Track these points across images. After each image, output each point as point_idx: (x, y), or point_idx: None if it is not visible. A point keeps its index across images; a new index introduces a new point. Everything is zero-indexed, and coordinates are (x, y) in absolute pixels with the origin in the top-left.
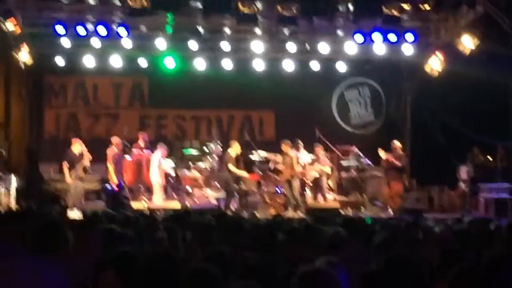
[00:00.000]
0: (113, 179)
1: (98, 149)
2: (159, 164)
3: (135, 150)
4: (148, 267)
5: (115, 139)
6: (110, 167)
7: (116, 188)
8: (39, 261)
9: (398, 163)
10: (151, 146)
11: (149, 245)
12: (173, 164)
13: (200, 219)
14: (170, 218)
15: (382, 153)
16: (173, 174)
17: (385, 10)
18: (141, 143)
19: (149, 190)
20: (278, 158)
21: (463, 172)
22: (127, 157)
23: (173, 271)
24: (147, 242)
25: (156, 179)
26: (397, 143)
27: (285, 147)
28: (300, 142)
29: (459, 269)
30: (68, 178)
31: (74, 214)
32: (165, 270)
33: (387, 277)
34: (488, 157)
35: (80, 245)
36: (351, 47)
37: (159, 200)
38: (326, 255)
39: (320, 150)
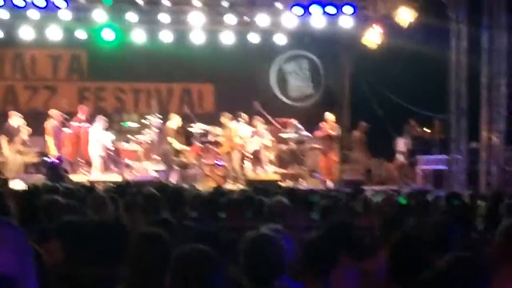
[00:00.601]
0: (53, 152)
1: (36, 122)
2: (98, 137)
3: (74, 123)
4: (96, 234)
5: (53, 112)
6: (49, 140)
7: (55, 161)
8: None
9: (334, 132)
10: (91, 119)
11: (92, 215)
12: (112, 137)
13: (141, 190)
14: (112, 190)
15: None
16: (112, 147)
17: None
18: (80, 116)
19: (88, 163)
20: (218, 130)
21: (401, 144)
22: (66, 130)
23: (122, 237)
24: (90, 212)
25: (95, 152)
26: (329, 115)
27: (225, 119)
28: (242, 114)
29: (399, 235)
30: (6, 151)
31: (17, 185)
32: (114, 237)
33: (330, 242)
34: (425, 129)
35: (24, 215)
36: (290, 19)
37: (98, 173)
38: (269, 224)
39: (259, 122)
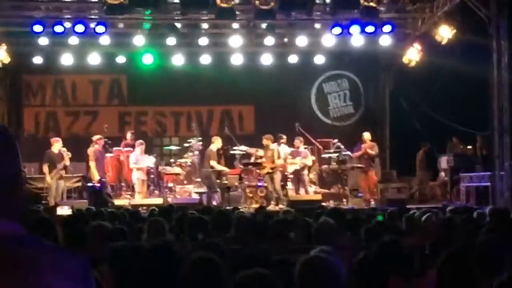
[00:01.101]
0: (95, 177)
1: (77, 148)
2: (136, 161)
3: (116, 148)
4: (148, 260)
5: (96, 137)
6: (92, 164)
7: (98, 185)
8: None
9: (372, 152)
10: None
11: (139, 239)
12: (153, 160)
13: (186, 213)
14: (156, 213)
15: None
16: (154, 171)
17: (362, 2)
18: (129, 140)
19: (130, 187)
20: (259, 152)
21: (444, 162)
22: (108, 155)
23: (174, 262)
24: (137, 236)
25: (136, 176)
26: (366, 134)
27: (267, 141)
28: (282, 136)
29: (447, 254)
30: (48, 178)
31: (63, 211)
32: (166, 261)
33: (380, 263)
34: (468, 146)
35: (70, 242)
36: (329, 39)
37: (140, 197)
38: (318, 245)
39: (299, 143)
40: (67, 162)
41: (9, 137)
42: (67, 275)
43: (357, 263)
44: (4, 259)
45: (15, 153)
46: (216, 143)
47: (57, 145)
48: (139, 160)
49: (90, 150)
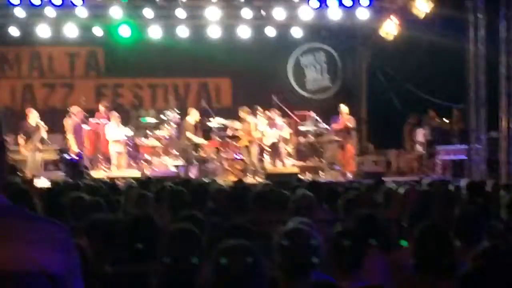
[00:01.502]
0: (74, 149)
1: (54, 120)
2: (112, 133)
3: (92, 120)
4: (127, 231)
5: (75, 109)
6: (70, 137)
7: (75, 158)
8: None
9: (350, 124)
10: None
11: (116, 211)
12: (130, 132)
13: (164, 186)
14: (134, 185)
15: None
16: (131, 143)
17: None
18: (102, 113)
19: (107, 160)
20: (236, 124)
21: (420, 135)
22: (85, 127)
23: (154, 233)
24: (114, 208)
25: (113, 148)
26: (343, 107)
27: (243, 113)
28: (258, 108)
29: (424, 226)
30: (24, 149)
31: (41, 182)
32: (146, 233)
33: (358, 235)
34: (444, 119)
35: (49, 214)
36: (307, 12)
37: (117, 169)
38: (296, 217)
39: (276, 115)
40: (43, 134)
41: None
42: (54, 246)
43: (335, 235)
44: None
45: None
46: (193, 116)
47: (33, 117)
48: (115, 132)
49: (68, 122)
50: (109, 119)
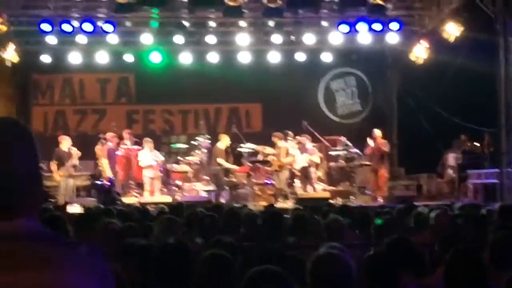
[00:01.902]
0: (107, 174)
1: (85, 146)
2: (147, 159)
3: (124, 146)
4: (161, 257)
5: (109, 135)
6: (105, 162)
7: (107, 184)
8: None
9: (385, 149)
10: (141, 140)
11: (148, 237)
12: (162, 158)
13: (195, 211)
14: (165, 211)
15: (370, 141)
16: (162, 168)
17: None
18: (126, 142)
19: (139, 185)
20: (267, 150)
21: (451, 159)
22: (118, 152)
23: (187, 260)
24: (146, 234)
25: (145, 174)
26: (377, 132)
27: (275, 138)
28: (289, 133)
29: (456, 251)
30: (56, 175)
31: (74, 209)
32: (179, 259)
33: (391, 259)
34: (476, 143)
35: (82, 239)
36: (336, 37)
37: (148, 195)
38: (328, 242)
39: (306, 140)
40: (76, 160)
41: (28, 133)
42: (91, 272)
43: (368, 260)
44: (31, 257)
45: (34, 149)
46: (223, 141)
47: (65, 143)
48: (148, 158)
49: (101, 148)
50: (137, 144)
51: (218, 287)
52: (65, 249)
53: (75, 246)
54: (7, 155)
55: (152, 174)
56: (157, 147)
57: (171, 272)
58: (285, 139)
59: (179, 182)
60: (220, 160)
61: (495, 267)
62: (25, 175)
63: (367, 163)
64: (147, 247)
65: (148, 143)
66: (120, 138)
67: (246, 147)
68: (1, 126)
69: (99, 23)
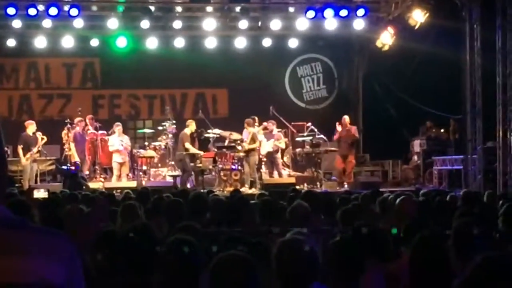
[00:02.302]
0: (75, 158)
1: (51, 130)
2: (115, 143)
3: (91, 131)
4: (127, 243)
5: (78, 119)
6: (72, 146)
7: (73, 168)
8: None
9: (356, 135)
10: (106, 125)
11: (114, 223)
12: (129, 142)
13: (161, 196)
14: (131, 196)
15: (339, 127)
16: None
17: None
18: (90, 127)
19: (105, 170)
20: (234, 135)
21: (416, 145)
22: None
23: (152, 244)
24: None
25: (115, 159)
26: (347, 118)
27: (246, 125)
28: (255, 118)
29: (421, 237)
30: (23, 160)
31: (39, 194)
32: (145, 244)
33: (357, 246)
34: (441, 130)
35: (48, 225)
36: (303, 23)
37: (116, 180)
38: (294, 228)
39: (272, 125)
40: (40, 145)
41: None
42: (58, 257)
43: (333, 246)
44: None
45: None
46: (190, 127)
47: (31, 128)
48: (117, 142)
49: (70, 132)
50: (97, 130)
51: (183, 272)
52: (30, 235)
53: (40, 231)
54: None
55: (121, 159)
56: (123, 132)
57: (137, 255)
58: (253, 125)
59: (144, 167)
60: (187, 145)
61: (458, 253)
62: None
63: (333, 149)
64: (113, 232)
65: (117, 128)
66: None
67: (212, 133)
68: None
69: (65, 7)
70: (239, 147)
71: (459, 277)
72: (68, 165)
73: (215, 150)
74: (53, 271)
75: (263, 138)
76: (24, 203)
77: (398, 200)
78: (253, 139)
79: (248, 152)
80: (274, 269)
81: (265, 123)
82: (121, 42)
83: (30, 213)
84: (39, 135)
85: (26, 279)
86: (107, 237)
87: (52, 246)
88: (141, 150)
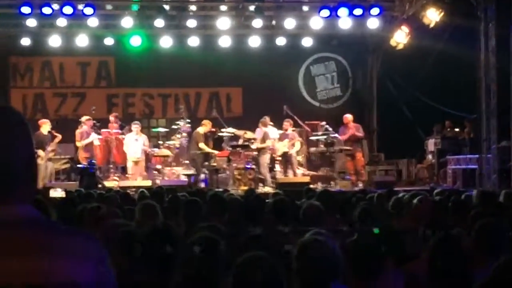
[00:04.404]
0: (83, 158)
1: (65, 129)
2: (133, 142)
3: (104, 130)
4: (149, 241)
5: (85, 118)
6: (80, 146)
7: (89, 167)
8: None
9: (359, 134)
10: (121, 124)
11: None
12: (147, 141)
13: (178, 196)
14: (146, 195)
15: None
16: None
17: None
18: (113, 123)
19: (121, 169)
20: (248, 134)
21: (430, 144)
22: (96, 136)
23: (173, 244)
24: (129, 218)
25: (130, 157)
26: (349, 117)
27: (260, 124)
28: (267, 118)
29: (439, 237)
30: (39, 159)
31: (56, 193)
32: (166, 243)
33: (376, 246)
34: (456, 129)
35: (64, 224)
36: (317, 22)
37: (131, 179)
38: (311, 228)
39: (288, 125)
40: (55, 144)
41: (23, 119)
42: (86, 259)
43: (354, 247)
44: (27, 244)
45: (30, 136)
46: (205, 127)
47: (45, 127)
48: (134, 141)
49: (79, 131)
50: (120, 129)
51: (206, 270)
52: (60, 236)
53: (69, 231)
54: (7, 142)
55: (136, 158)
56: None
57: (157, 256)
58: (265, 124)
59: (159, 166)
60: (201, 144)
61: (480, 254)
62: (23, 162)
63: (348, 148)
64: (132, 231)
65: (134, 126)
66: (105, 120)
67: (226, 132)
68: (0, 114)
69: (79, 6)
70: (253, 146)
71: (482, 278)
72: (85, 163)
73: (229, 149)
74: (81, 272)
75: (277, 137)
76: (41, 202)
77: (415, 201)
78: (264, 139)
79: (259, 151)
80: (294, 270)
81: (286, 123)
82: (136, 41)
83: (48, 213)
84: (54, 133)
85: (55, 279)
86: (127, 236)
87: (81, 248)
88: (155, 149)
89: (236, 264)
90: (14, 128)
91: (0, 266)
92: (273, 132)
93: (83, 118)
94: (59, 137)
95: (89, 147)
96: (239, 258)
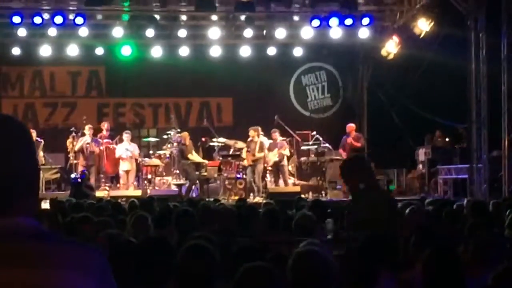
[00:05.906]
0: (82, 165)
1: (56, 139)
2: (123, 151)
3: (97, 140)
4: (143, 251)
5: (88, 127)
6: (79, 155)
7: (79, 177)
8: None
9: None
10: (111, 134)
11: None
12: (137, 150)
13: (169, 205)
14: (137, 205)
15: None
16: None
17: None
18: (105, 133)
19: (111, 179)
20: (238, 144)
21: (421, 154)
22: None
23: (169, 253)
24: (120, 228)
25: (122, 167)
26: (352, 125)
27: (253, 133)
28: (258, 128)
29: (433, 248)
30: None
31: (47, 205)
32: (161, 253)
33: (369, 255)
34: (447, 139)
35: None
36: (308, 32)
37: (122, 188)
38: (304, 238)
39: (277, 135)
40: (41, 152)
41: (27, 131)
42: (88, 271)
43: (347, 256)
44: (29, 255)
45: (32, 147)
46: (187, 139)
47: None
48: (125, 151)
49: (73, 141)
50: (111, 139)
51: (200, 278)
52: (62, 247)
53: (71, 244)
54: (9, 153)
55: (127, 167)
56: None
57: (152, 266)
58: (259, 135)
59: (149, 176)
60: (191, 156)
61: (475, 264)
62: (25, 173)
63: (338, 157)
64: (125, 241)
65: (126, 136)
66: (95, 130)
67: (217, 141)
68: (2, 125)
69: (70, 16)
70: (244, 156)
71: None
72: (75, 173)
73: (220, 158)
74: (84, 284)
75: (266, 145)
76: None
77: (407, 210)
78: (261, 148)
79: (256, 160)
80: (289, 280)
81: (273, 133)
82: (126, 51)
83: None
84: (37, 140)
85: None
86: (121, 247)
87: (83, 259)
88: (146, 159)
89: (239, 273)
90: (16, 139)
91: (1, 278)
92: (265, 142)
93: (86, 127)
94: (41, 142)
95: (89, 155)
96: (242, 267)
